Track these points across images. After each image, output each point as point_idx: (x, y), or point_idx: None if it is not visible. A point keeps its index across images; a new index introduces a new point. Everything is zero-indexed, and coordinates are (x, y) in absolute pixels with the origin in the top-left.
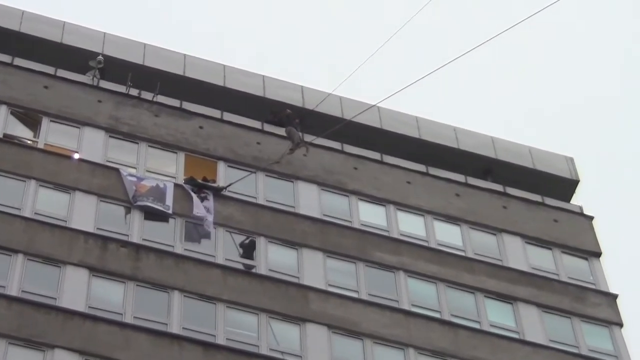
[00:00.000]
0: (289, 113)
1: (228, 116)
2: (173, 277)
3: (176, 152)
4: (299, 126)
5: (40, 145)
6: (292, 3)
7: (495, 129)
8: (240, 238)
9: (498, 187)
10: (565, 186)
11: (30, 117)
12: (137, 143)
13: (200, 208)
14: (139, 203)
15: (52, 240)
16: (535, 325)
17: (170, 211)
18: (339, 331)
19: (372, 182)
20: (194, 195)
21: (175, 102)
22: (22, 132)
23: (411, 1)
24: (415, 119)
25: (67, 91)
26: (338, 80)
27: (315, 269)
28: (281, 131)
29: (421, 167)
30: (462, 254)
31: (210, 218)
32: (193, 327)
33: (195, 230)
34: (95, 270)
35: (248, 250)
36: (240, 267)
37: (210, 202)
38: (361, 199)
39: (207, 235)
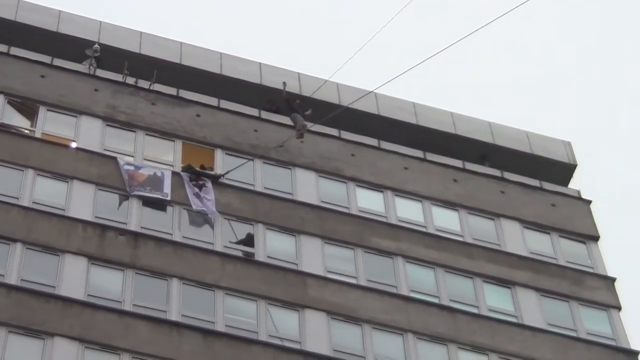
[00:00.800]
0: (286, 98)
1: (225, 104)
2: (172, 264)
3: (173, 140)
4: (301, 107)
5: (38, 135)
6: None
7: (493, 114)
8: (238, 225)
9: (496, 172)
10: (562, 170)
11: (27, 107)
12: (135, 132)
13: (197, 201)
14: (135, 193)
15: (51, 229)
16: (533, 309)
17: (168, 198)
18: (338, 317)
19: (369, 169)
20: (188, 189)
21: (172, 91)
22: (19, 121)
23: None
24: (413, 105)
25: (63, 80)
26: (335, 67)
27: (313, 256)
28: (279, 118)
29: (418, 153)
30: (460, 239)
31: (211, 207)
32: (192, 314)
33: (200, 217)
34: (94, 259)
35: (248, 244)
36: (239, 254)
37: (210, 189)
38: (359, 185)
39: (211, 222)
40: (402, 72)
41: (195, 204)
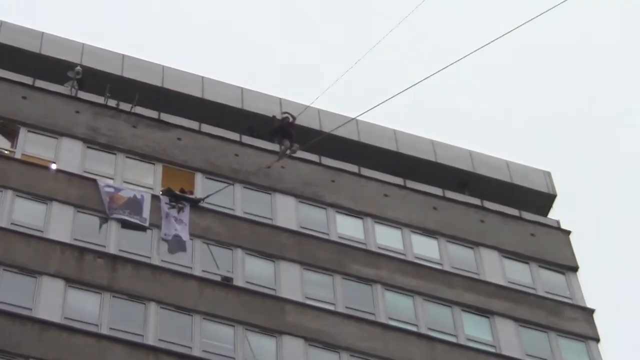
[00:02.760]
0: (280, 124)
1: (206, 128)
2: (150, 288)
3: (154, 163)
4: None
5: (18, 156)
6: (270, 16)
7: (473, 143)
8: (217, 250)
9: (475, 201)
10: (542, 200)
11: (8, 127)
12: (115, 154)
13: (169, 228)
14: (114, 216)
15: (29, 250)
16: (511, 339)
17: (146, 224)
18: (316, 344)
19: (349, 195)
20: (164, 215)
21: (153, 114)
22: None
23: (390, 15)
24: (393, 132)
25: (45, 102)
26: (316, 93)
27: (292, 281)
28: (260, 143)
29: (399, 180)
30: (440, 267)
31: (182, 233)
32: (169, 339)
33: (174, 244)
34: (72, 281)
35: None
36: (217, 278)
37: (186, 214)
38: (339, 212)
39: (183, 248)
40: (384, 100)
41: (166, 233)
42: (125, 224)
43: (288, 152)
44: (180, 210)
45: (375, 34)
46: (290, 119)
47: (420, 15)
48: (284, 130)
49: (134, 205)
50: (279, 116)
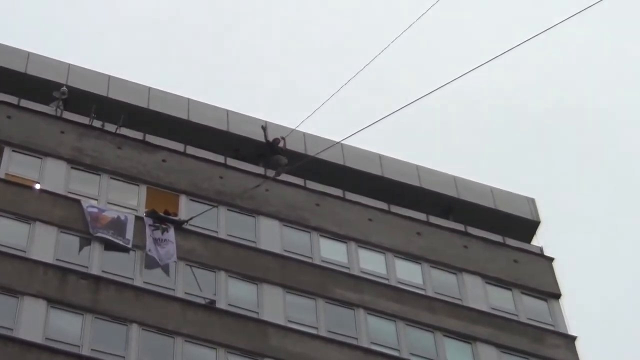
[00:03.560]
0: (270, 142)
1: (191, 150)
2: (132, 310)
3: (138, 185)
4: (284, 140)
5: (2, 175)
6: (255, 39)
7: (458, 168)
8: (200, 272)
9: (459, 227)
10: (526, 227)
11: None
12: (99, 175)
13: (154, 249)
14: (98, 234)
15: (11, 270)
16: None
17: (129, 245)
18: None
19: (333, 219)
20: (148, 236)
21: (138, 135)
22: None
23: (376, 40)
24: (378, 157)
25: (30, 121)
26: (302, 116)
27: (275, 305)
28: (245, 166)
29: (383, 205)
30: (423, 292)
31: (171, 251)
32: None
33: (156, 260)
34: (54, 302)
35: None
36: (200, 301)
37: (171, 234)
38: (322, 235)
39: (166, 268)
40: (369, 125)
41: (151, 251)
42: (109, 245)
43: (281, 169)
44: (164, 231)
45: (361, 58)
46: (281, 142)
47: (406, 41)
48: (273, 149)
49: (118, 226)
50: (270, 137)
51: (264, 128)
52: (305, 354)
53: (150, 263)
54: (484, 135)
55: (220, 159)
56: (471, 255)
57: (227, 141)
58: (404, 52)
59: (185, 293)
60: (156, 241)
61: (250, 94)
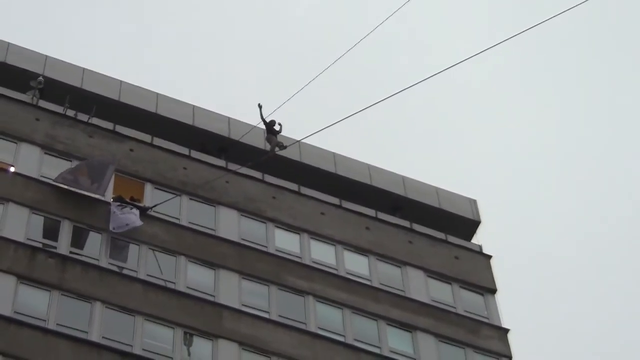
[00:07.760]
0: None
1: (158, 141)
2: (97, 288)
3: None
4: (281, 126)
5: None
6: (222, 38)
7: (407, 169)
8: (162, 256)
9: (405, 223)
10: (467, 226)
11: None
12: (71, 161)
13: (116, 221)
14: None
15: None
16: (431, 353)
17: (103, 193)
18: (249, 349)
19: (288, 211)
20: (112, 213)
21: (109, 125)
22: None
23: (339, 42)
24: (333, 155)
25: (7, 108)
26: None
27: (230, 289)
28: (208, 158)
29: (335, 200)
30: (369, 283)
31: (132, 219)
32: (112, 337)
33: (127, 245)
34: (23, 278)
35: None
36: (161, 282)
37: (136, 213)
38: (277, 227)
39: (136, 251)
40: (327, 126)
41: (114, 227)
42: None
43: (277, 148)
44: (129, 211)
45: (323, 59)
46: (277, 127)
47: (368, 43)
48: (270, 130)
49: (96, 171)
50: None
51: (260, 106)
52: (257, 336)
53: (117, 222)
54: (432, 140)
55: (184, 151)
56: (415, 250)
57: (192, 135)
58: (367, 55)
59: (147, 275)
60: (122, 212)
61: (215, 91)
